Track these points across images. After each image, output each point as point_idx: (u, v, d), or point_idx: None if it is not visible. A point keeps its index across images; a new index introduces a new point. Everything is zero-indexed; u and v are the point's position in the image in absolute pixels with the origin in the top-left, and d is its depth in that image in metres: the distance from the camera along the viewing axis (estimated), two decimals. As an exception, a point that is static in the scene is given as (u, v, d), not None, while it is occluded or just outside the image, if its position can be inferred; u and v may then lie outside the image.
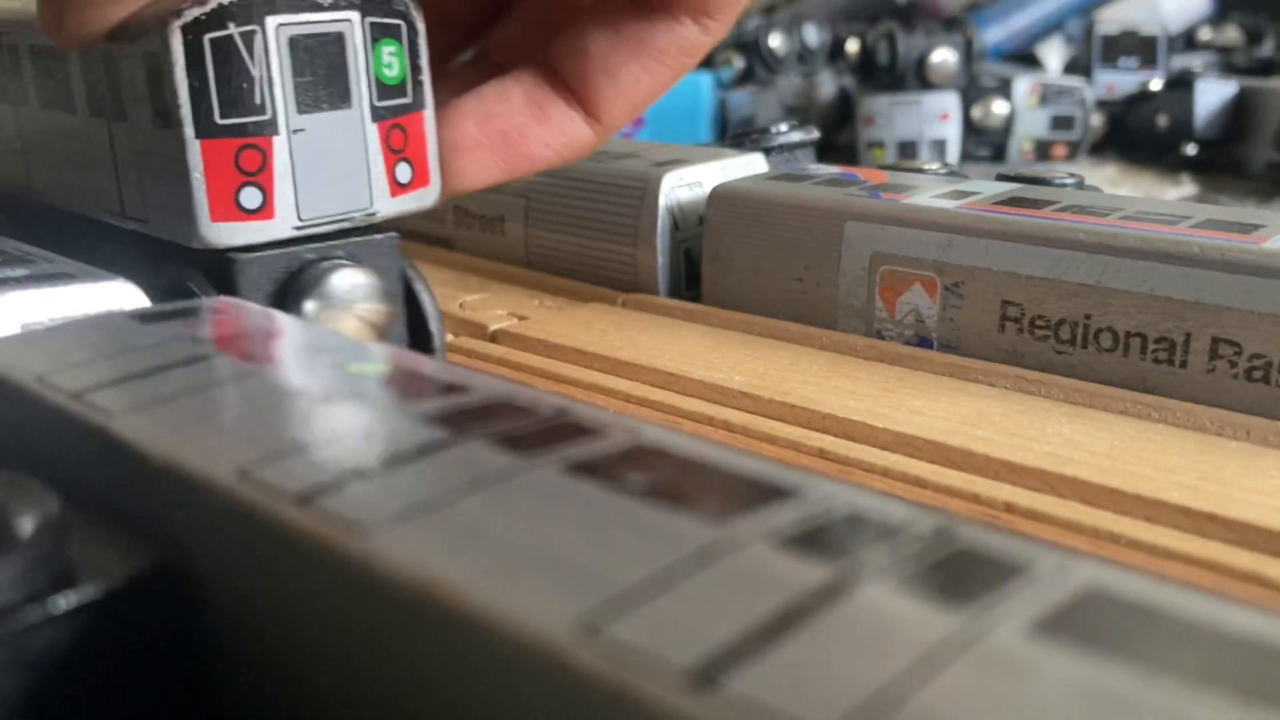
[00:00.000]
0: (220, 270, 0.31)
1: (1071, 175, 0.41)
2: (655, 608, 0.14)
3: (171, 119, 0.29)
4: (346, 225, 0.32)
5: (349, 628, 0.16)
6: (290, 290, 0.31)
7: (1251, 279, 0.30)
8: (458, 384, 0.21)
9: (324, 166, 0.30)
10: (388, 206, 0.32)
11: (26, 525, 0.18)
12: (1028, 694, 0.12)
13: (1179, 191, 0.88)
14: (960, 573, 0.15)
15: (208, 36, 0.28)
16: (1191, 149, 0.98)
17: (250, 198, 0.30)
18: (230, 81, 0.29)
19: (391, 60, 0.31)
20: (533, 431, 0.19)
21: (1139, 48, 1.07)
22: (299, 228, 0.31)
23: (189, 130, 0.29)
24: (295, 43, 0.29)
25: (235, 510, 0.18)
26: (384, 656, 0.16)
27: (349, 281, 0.31)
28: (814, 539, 0.16)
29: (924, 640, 0.13)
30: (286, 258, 0.31)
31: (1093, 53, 1.07)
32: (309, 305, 0.31)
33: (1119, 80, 1.06)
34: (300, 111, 0.30)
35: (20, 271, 0.30)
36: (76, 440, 0.21)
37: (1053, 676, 0.12)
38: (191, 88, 0.28)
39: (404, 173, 0.32)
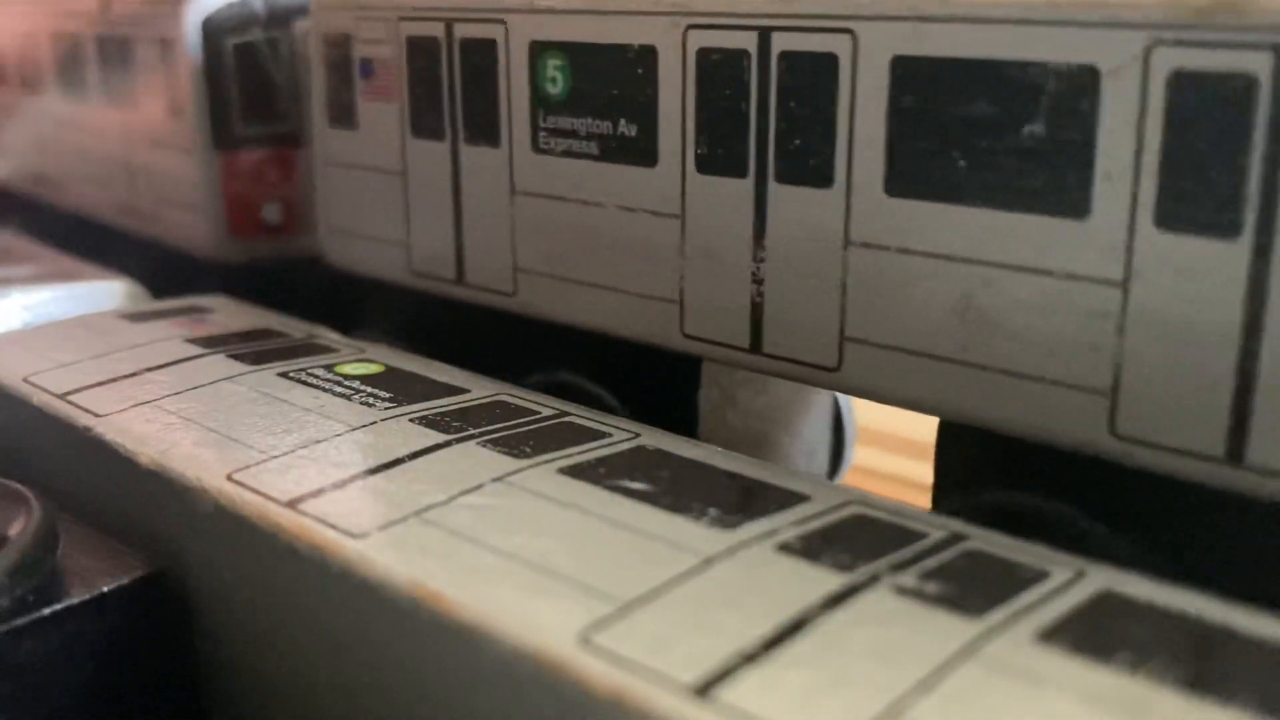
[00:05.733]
0: None
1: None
2: (656, 615, 0.14)
3: None
4: None
5: (342, 633, 0.16)
6: None
7: None
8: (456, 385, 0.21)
9: None
10: None
11: (12, 531, 0.17)
12: (1039, 700, 0.12)
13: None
14: (974, 580, 0.14)
15: None
16: None
17: None
18: None
19: None
20: (532, 433, 0.19)
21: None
22: None
23: None
24: None
25: (224, 513, 0.17)
26: (376, 662, 0.15)
27: None
28: (821, 545, 0.15)
29: (935, 649, 0.13)
30: None
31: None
32: None
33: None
34: None
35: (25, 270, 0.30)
36: (63, 442, 0.21)
37: (1065, 682, 0.12)
38: None
39: None
